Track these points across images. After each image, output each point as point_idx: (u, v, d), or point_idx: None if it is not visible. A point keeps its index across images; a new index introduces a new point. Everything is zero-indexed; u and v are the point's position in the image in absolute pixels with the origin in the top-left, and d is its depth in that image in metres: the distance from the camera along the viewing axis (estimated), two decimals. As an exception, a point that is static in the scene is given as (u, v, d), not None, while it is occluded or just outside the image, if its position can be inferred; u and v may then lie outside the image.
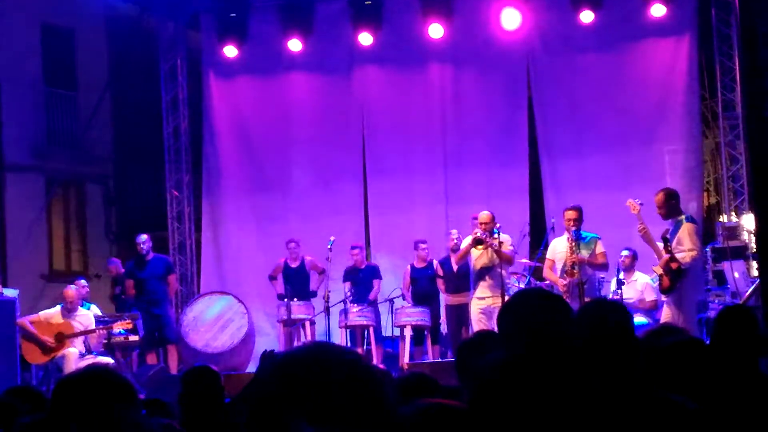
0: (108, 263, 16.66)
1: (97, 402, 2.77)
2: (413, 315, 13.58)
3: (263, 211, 16.66)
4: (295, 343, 13.88)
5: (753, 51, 9.20)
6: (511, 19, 15.42)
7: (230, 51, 16.55)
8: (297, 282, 14.50)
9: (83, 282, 14.27)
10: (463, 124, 16.07)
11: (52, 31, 19.90)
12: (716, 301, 12.58)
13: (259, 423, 1.58)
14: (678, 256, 10.43)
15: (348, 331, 13.88)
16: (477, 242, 12.10)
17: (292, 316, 13.95)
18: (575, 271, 11.25)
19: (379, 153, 16.44)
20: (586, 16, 15.20)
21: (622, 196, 12.10)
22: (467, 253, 12.34)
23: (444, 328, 13.89)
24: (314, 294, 14.42)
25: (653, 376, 3.76)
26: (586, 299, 10.61)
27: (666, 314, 10.61)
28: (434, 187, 16.05)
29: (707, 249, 13.44)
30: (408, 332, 13.54)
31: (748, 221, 14.25)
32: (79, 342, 12.72)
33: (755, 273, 12.98)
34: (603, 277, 12.17)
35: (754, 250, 13.27)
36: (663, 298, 10.99)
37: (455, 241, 13.22)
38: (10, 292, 14.01)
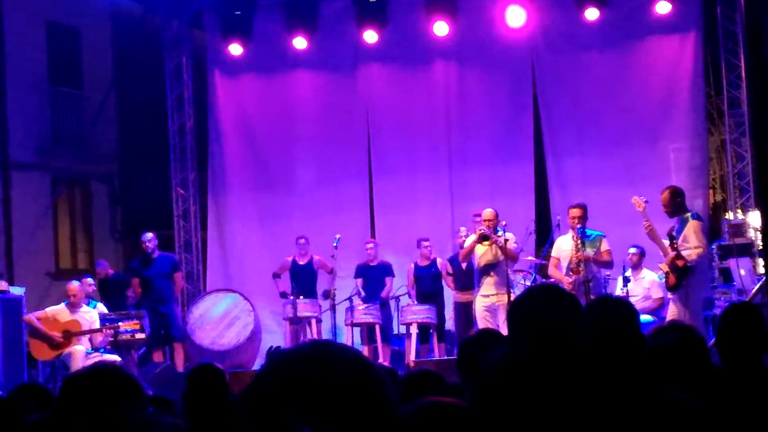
0: (96, 265, 16.65)
1: (103, 400, 2.79)
2: (419, 313, 13.58)
3: (269, 209, 16.67)
4: (301, 341, 13.89)
5: (758, 48, 9.20)
6: (515, 17, 15.41)
7: (235, 49, 16.56)
8: (304, 279, 14.49)
9: (90, 280, 14.29)
10: (468, 122, 16.06)
11: (57, 30, 19.92)
12: (722, 299, 12.56)
13: (258, 420, 1.58)
14: (684, 253, 10.42)
15: (353, 328, 13.87)
16: (482, 238, 12.09)
17: (298, 314, 13.95)
18: (581, 269, 11.24)
19: (384, 151, 16.44)
20: (591, 14, 15.18)
21: (627, 194, 12.08)
22: (472, 249, 12.33)
23: (451, 326, 13.90)
24: (327, 294, 14.30)
25: (658, 373, 3.76)
26: (592, 297, 10.61)
27: (672, 311, 10.60)
28: (439, 185, 16.04)
29: (713, 246, 13.42)
30: (414, 330, 13.53)
31: (754, 218, 14.23)
32: (85, 339, 12.74)
33: (761, 270, 12.98)
34: (609, 275, 12.16)
35: (760, 247, 13.26)
36: (669, 295, 10.98)
37: (463, 238, 13.21)
38: (17, 291, 14.05)
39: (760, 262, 13.17)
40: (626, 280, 12.13)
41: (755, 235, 13.88)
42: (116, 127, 21.16)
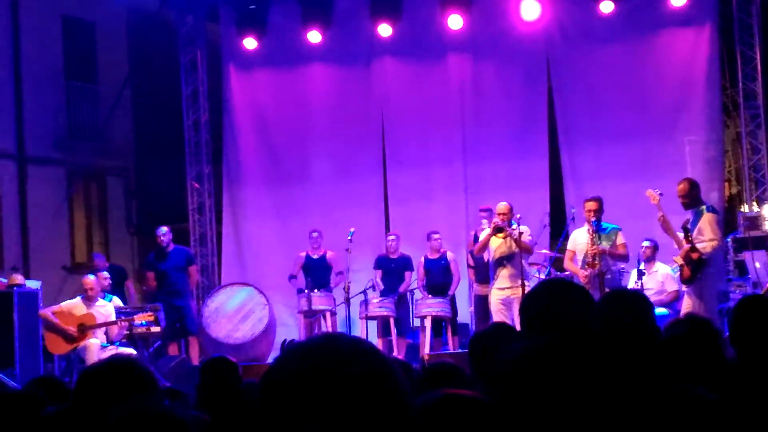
0: (94, 258, 16.69)
1: (119, 392, 2.80)
2: (433, 306, 13.57)
3: (283, 203, 16.70)
4: (315, 334, 13.89)
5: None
6: (530, 10, 15.38)
7: (250, 43, 16.58)
8: (318, 273, 14.53)
9: (105, 274, 14.33)
10: (483, 115, 16.05)
11: (73, 25, 19.99)
12: (737, 292, 12.51)
13: (271, 413, 1.59)
14: (699, 246, 10.40)
15: (367, 322, 13.89)
16: (497, 230, 12.09)
17: (313, 307, 13.98)
18: (596, 263, 11.23)
19: (399, 144, 16.44)
20: (606, 6, 15.14)
21: (642, 187, 12.05)
22: (487, 242, 12.32)
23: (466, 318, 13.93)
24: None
25: (673, 366, 3.76)
26: (607, 290, 10.59)
27: (687, 305, 10.59)
28: (453, 178, 16.04)
29: (728, 239, 13.39)
30: (428, 323, 13.54)
31: (769, 211, 14.18)
32: (100, 333, 12.78)
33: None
34: (623, 268, 12.14)
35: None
36: (684, 288, 10.96)
37: (484, 227, 13.17)
38: (33, 284, 14.11)
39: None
40: (640, 274, 12.09)
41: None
42: (131, 121, 21.23)
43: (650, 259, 12.81)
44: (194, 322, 14.50)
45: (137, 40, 20.91)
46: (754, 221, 13.90)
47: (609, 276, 11.29)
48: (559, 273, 13.14)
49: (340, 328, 14.11)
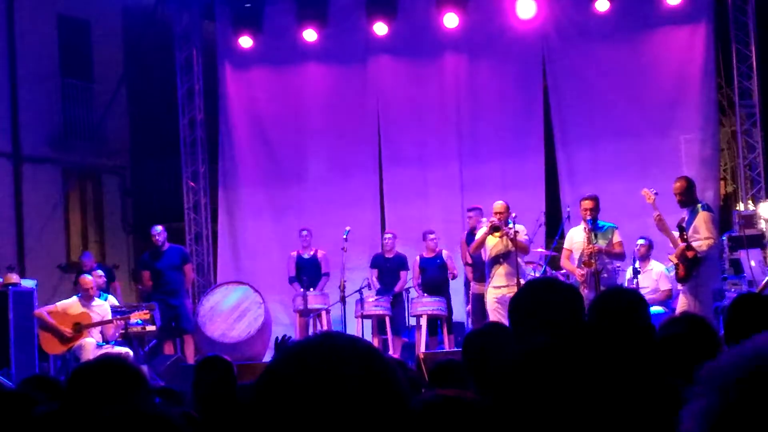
0: (82, 257, 16.66)
1: (110, 391, 2.80)
2: (429, 305, 13.58)
3: (279, 202, 16.69)
4: (311, 333, 13.91)
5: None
6: (526, 8, 15.39)
7: (245, 41, 16.57)
8: (311, 272, 14.55)
9: (100, 272, 14.34)
10: (478, 114, 16.05)
11: (68, 23, 19.96)
12: (732, 290, 12.51)
13: (267, 412, 1.58)
14: (694, 244, 10.40)
15: (363, 320, 13.89)
16: (494, 229, 12.08)
17: (308, 306, 13.98)
18: (592, 261, 11.23)
19: (395, 143, 16.44)
20: (602, 5, 15.15)
21: (637, 185, 12.07)
22: (483, 241, 12.32)
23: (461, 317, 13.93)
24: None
25: (669, 364, 3.76)
26: (602, 288, 10.59)
27: (682, 303, 10.59)
28: (449, 177, 16.04)
29: (723, 237, 13.39)
30: (424, 322, 13.54)
31: (764, 210, 14.18)
32: (96, 332, 12.77)
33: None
34: (618, 266, 12.14)
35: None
36: (679, 287, 10.96)
37: (482, 223, 13.17)
38: (28, 283, 14.10)
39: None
40: (635, 272, 12.10)
41: (766, 227, 13.85)
42: (127, 120, 21.20)
43: (645, 258, 12.81)
44: (190, 320, 14.50)
45: (133, 38, 20.89)
46: (750, 220, 13.91)
47: (605, 275, 11.29)
48: (555, 272, 13.16)
49: (335, 327, 14.11)
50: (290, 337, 7.24)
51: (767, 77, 15.27)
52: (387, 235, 14.63)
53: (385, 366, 1.60)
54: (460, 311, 14.51)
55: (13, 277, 14.01)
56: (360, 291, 13.84)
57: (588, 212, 11.46)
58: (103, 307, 12.98)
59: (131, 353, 12.57)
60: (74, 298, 12.95)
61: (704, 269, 10.47)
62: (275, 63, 16.76)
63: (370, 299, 13.79)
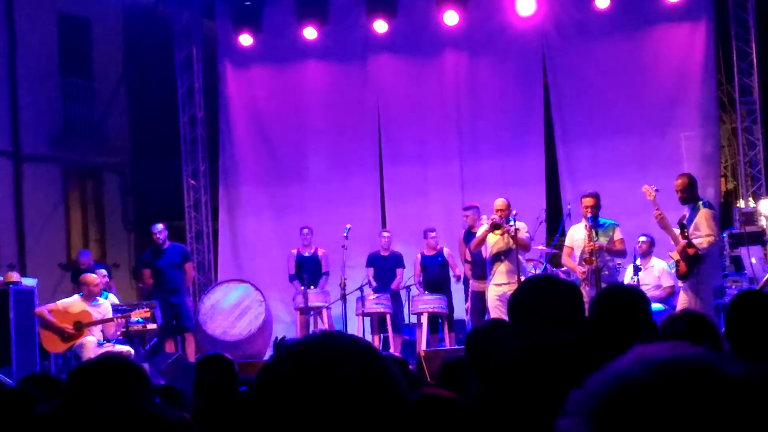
0: (79, 255, 16.66)
1: (110, 390, 2.79)
2: (430, 302, 13.58)
3: (279, 200, 16.69)
4: (312, 331, 13.91)
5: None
6: (526, 6, 15.39)
7: (245, 39, 16.57)
8: (312, 270, 14.54)
9: (103, 271, 14.34)
10: (479, 111, 16.05)
11: (68, 21, 19.95)
12: (733, 287, 12.52)
13: (266, 412, 1.57)
14: (695, 241, 10.39)
15: (364, 318, 13.89)
16: (494, 227, 12.08)
17: (309, 304, 13.98)
18: (593, 259, 11.22)
19: (395, 141, 16.44)
20: (602, 2, 15.15)
21: (638, 183, 12.05)
22: (484, 238, 12.32)
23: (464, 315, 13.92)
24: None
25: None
26: (603, 285, 10.59)
27: (683, 300, 10.58)
28: (450, 175, 16.04)
29: (724, 235, 13.39)
30: (424, 319, 13.54)
31: (765, 206, 14.18)
32: (97, 330, 12.76)
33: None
34: (619, 264, 12.13)
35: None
36: (680, 284, 10.95)
37: (483, 222, 13.17)
38: (29, 282, 14.09)
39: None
40: (636, 269, 12.09)
41: (766, 224, 13.85)
42: (127, 118, 21.20)
43: (646, 255, 12.81)
44: (190, 319, 14.50)
45: (133, 36, 20.88)
46: (750, 217, 13.90)
47: (606, 272, 11.28)
48: (555, 269, 13.15)
49: (336, 325, 14.11)
50: (285, 336, 7.24)
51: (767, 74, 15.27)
52: (384, 234, 14.63)
53: (384, 366, 1.60)
54: (460, 309, 14.51)
55: (14, 276, 14.00)
56: (361, 289, 13.84)
57: (589, 209, 11.45)
58: (104, 305, 12.97)
59: (132, 352, 12.57)
60: (76, 297, 12.94)
61: (705, 266, 10.47)
62: (275, 61, 16.75)
63: (371, 297, 13.79)
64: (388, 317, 13.84)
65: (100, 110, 20.33)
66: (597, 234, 11.35)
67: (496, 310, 11.93)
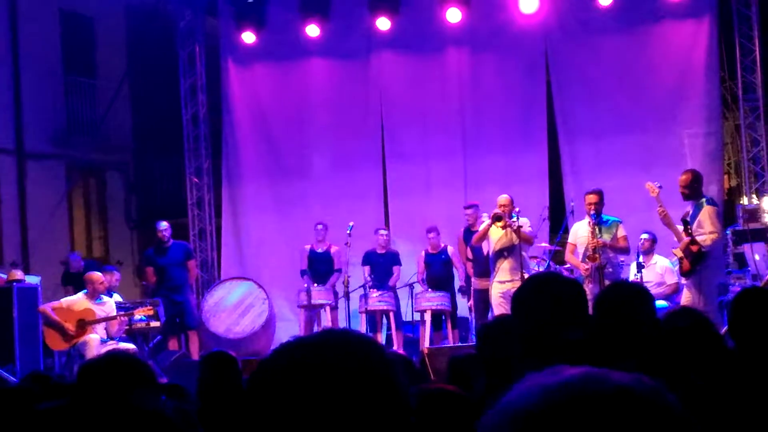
0: (69, 257, 16.65)
1: (118, 387, 2.80)
2: (433, 300, 13.58)
3: (283, 197, 16.70)
4: (315, 329, 13.93)
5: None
6: (529, 3, 15.37)
7: (248, 37, 16.56)
8: (322, 267, 14.52)
9: (115, 273, 14.37)
10: (481, 109, 16.04)
11: (71, 19, 19.97)
12: (737, 284, 12.49)
13: (264, 408, 1.57)
14: (699, 238, 10.38)
15: (367, 316, 13.89)
16: (496, 219, 12.06)
17: (313, 302, 13.98)
18: (597, 256, 11.21)
19: (398, 138, 16.43)
20: (605, -1, 15.13)
21: (641, 180, 12.04)
22: (486, 232, 12.30)
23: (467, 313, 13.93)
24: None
25: (673, 357, 3.76)
26: (606, 282, 10.59)
27: (686, 297, 10.58)
28: (453, 172, 16.03)
29: (728, 232, 13.38)
30: (428, 317, 13.54)
31: (768, 203, 14.18)
32: (100, 328, 12.77)
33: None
34: (623, 261, 12.13)
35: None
36: (683, 281, 10.95)
37: (483, 220, 13.17)
38: (32, 279, 14.11)
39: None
40: (639, 266, 12.08)
41: (770, 220, 13.83)
42: (130, 116, 21.22)
43: (648, 252, 12.80)
44: (194, 316, 14.50)
45: (136, 34, 20.89)
46: (754, 214, 13.89)
47: (609, 269, 11.27)
48: (558, 266, 13.14)
49: (340, 323, 14.11)
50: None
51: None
52: (382, 232, 14.61)
53: (385, 363, 1.59)
54: (464, 306, 14.51)
55: (17, 274, 14.03)
56: (364, 286, 13.84)
57: (592, 206, 11.44)
58: (108, 303, 12.98)
59: (136, 349, 12.58)
60: (80, 294, 12.94)
61: (708, 263, 10.46)
62: (278, 59, 16.75)
63: (375, 294, 13.79)
64: (391, 315, 13.85)
65: (103, 108, 20.35)
66: (600, 231, 11.34)
67: (499, 307, 11.93)
